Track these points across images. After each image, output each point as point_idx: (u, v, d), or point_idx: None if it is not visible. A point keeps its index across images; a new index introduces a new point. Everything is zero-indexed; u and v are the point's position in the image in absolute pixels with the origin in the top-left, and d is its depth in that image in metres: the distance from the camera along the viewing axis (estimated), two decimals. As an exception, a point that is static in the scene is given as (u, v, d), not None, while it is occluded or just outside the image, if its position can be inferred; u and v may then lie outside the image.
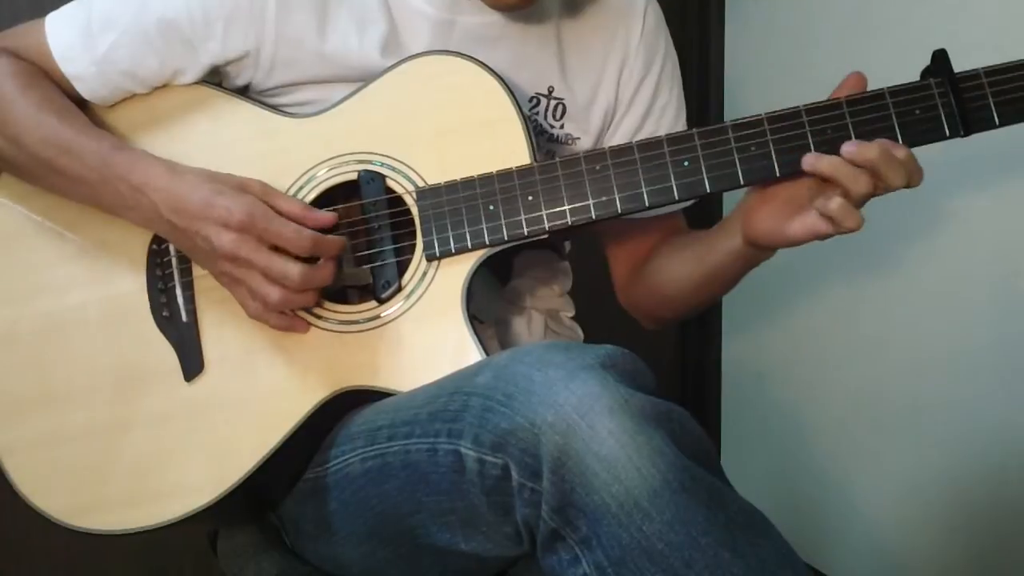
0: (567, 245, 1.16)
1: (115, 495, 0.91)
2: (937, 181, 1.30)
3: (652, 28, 1.05)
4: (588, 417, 0.67)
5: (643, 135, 1.04)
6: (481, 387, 0.75)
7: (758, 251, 0.93)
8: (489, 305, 1.00)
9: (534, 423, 0.69)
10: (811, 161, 0.83)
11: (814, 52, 1.54)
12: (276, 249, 0.85)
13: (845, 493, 1.52)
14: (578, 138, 1.02)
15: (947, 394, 1.32)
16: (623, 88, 1.04)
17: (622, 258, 1.12)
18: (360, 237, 0.93)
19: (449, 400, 0.77)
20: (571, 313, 1.12)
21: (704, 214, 1.13)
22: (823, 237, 0.86)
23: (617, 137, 1.05)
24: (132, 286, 0.94)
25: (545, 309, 1.06)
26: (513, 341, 1.02)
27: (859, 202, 0.84)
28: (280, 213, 0.86)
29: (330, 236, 0.87)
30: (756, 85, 1.71)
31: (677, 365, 1.90)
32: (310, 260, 0.87)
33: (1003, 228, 1.22)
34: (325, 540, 0.91)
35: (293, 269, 0.84)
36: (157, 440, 0.91)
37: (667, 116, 1.06)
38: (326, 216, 0.87)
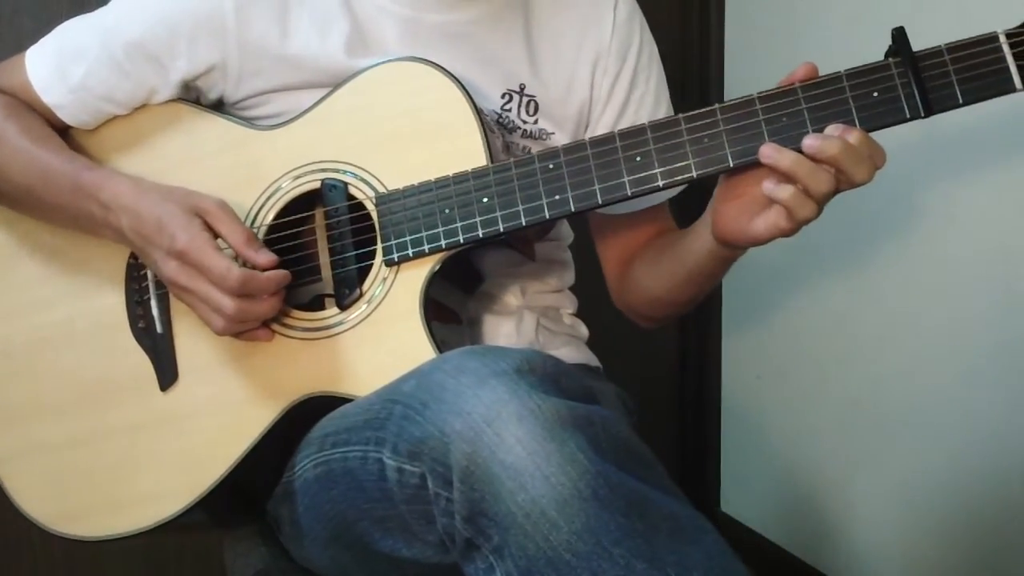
0: (571, 235, 1.12)
1: (97, 502, 0.90)
2: (936, 181, 1.23)
3: (624, 21, 1.00)
4: (495, 425, 0.63)
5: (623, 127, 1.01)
6: (404, 395, 0.72)
7: (732, 249, 0.88)
8: (464, 305, 0.98)
9: (443, 432, 0.65)
10: (770, 155, 0.77)
11: (814, 51, 1.43)
12: None
13: (845, 493, 1.45)
14: (552, 133, 0.98)
15: (947, 394, 1.25)
16: (598, 84, 1.00)
17: (612, 259, 1.08)
18: (324, 245, 0.90)
19: (380, 407, 0.74)
20: (571, 310, 1.08)
21: (699, 207, 1.09)
22: (787, 233, 0.80)
23: (598, 132, 0.99)
24: (112, 300, 0.93)
25: (540, 307, 1.02)
26: (491, 342, 0.98)
27: (821, 199, 0.78)
28: (224, 240, 0.84)
29: (266, 274, 0.83)
30: (756, 85, 1.65)
31: (677, 366, 1.84)
32: None
33: (1002, 229, 1.16)
34: (299, 542, 0.89)
35: (227, 304, 0.82)
36: (134, 449, 0.90)
37: (645, 106, 1.02)
38: (261, 258, 0.83)
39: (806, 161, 0.77)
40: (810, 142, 0.77)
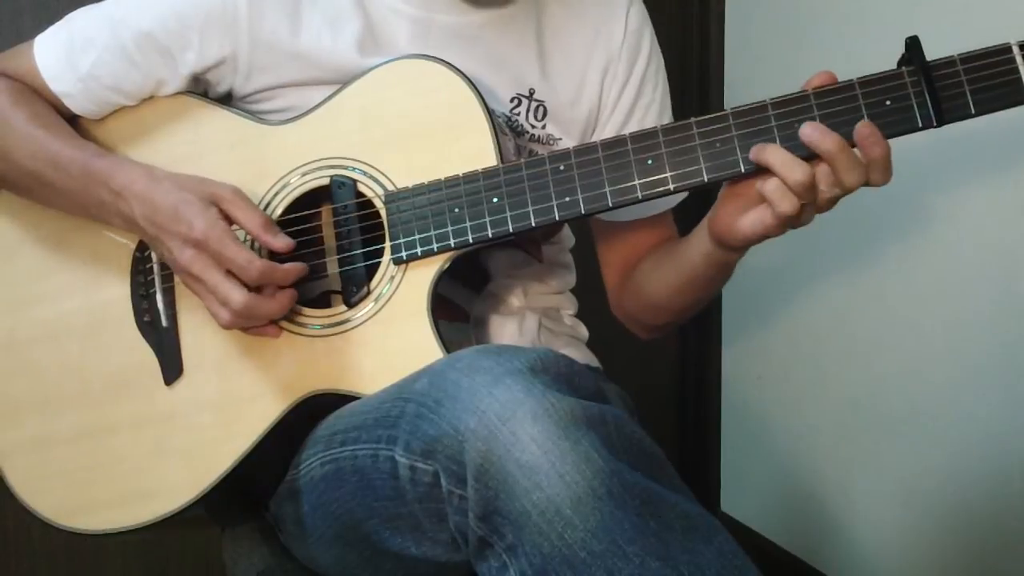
0: (572, 239, 1.12)
1: (101, 497, 0.90)
2: (936, 181, 1.24)
3: (635, 29, 1.00)
4: (510, 423, 0.63)
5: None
6: (417, 393, 0.72)
7: (726, 251, 0.87)
8: (471, 303, 0.98)
9: (458, 430, 0.65)
10: (755, 150, 0.78)
11: (815, 52, 1.48)
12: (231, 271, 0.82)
13: (845, 493, 1.45)
14: (560, 139, 0.98)
15: (947, 394, 1.25)
16: (607, 91, 1.00)
17: (614, 265, 1.08)
18: (331, 242, 0.90)
19: (392, 406, 0.74)
20: (572, 311, 1.08)
21: (701, 215, 1.09)
22: (772, 230, 0.80)
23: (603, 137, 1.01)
24: (118, 293, 0.93)
25: (541, 308, 1.02)
26: (494, 341, 0.98)
27: (800, 192, 0.77)
28: (241, 226, 0.84)
29: (285, 265, 0.82)
30: (756, 85, 1.64)
31: (677, 367, 1.84)
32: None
33: (1002, 230, 1.16)
34: (303, 541, 0.88)
35: (236, 297, 0.81)
36: (139, 443, 0.89)
37: (651, 114, 1.02)
38: (279, 243, 0.83)
39: (785, 154, 0.77)
40: (806, 131, 0.77)
